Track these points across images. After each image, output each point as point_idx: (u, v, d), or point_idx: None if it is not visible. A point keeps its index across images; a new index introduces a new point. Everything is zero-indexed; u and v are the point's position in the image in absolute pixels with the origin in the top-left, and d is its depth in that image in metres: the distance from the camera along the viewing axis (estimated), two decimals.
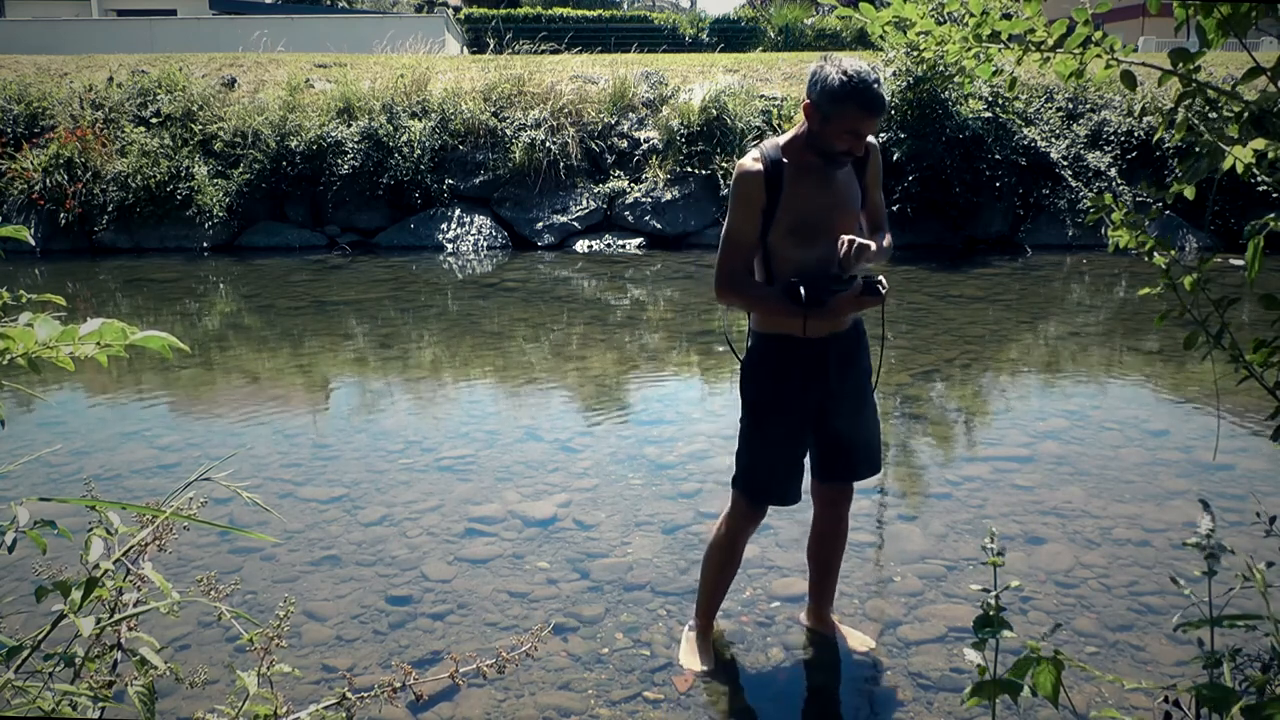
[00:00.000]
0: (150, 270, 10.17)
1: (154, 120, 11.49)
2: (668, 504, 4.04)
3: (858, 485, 2.97)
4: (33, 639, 1.35)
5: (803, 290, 2.47)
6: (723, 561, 2.90)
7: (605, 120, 11.68)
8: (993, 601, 1.60)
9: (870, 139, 2.57)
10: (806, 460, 2.82)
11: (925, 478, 4.46)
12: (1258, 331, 1.71)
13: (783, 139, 2.58)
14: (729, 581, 2.95)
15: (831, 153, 2.48)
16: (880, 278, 2.54)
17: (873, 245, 2.51)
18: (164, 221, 11.03)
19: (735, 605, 3.22)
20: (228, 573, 3.45)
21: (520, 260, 10.56)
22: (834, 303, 2.51)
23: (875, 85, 2.39)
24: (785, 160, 2.53)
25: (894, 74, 10.64)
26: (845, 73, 2.38)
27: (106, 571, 1.42)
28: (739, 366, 2.76)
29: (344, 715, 1.73)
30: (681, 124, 11.41)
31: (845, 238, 2.49)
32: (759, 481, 2.77)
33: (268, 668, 1.64)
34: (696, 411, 5.46)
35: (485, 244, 11.05)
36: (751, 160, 2.54)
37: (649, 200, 11.18)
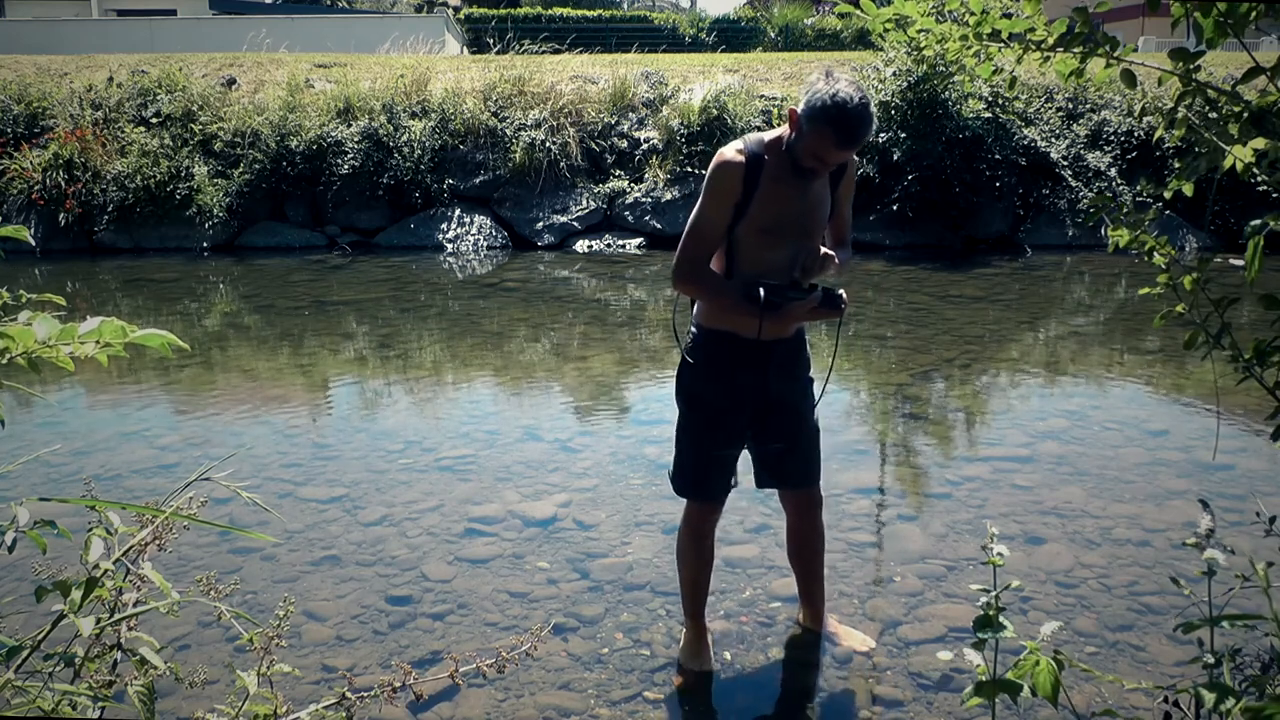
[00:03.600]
0: (150, 270, 10.17)
1: (154, 120, 11.49)
2: (668, 504, 4.04)
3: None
4: (33, 639, 1.35)
5: (762, 292, 2.46)
6: (693, 561, 2.89)
7: (605, 120, 11.68)
8: (993, 601, 1.60)
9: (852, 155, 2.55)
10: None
11: (925, 478, 4.46)
12: (1258, 331, 1.71)
13: (768, 135, 2.56)
14: (708, 577, 2.94)
15: (798, 165, 2.47)
16: (841, 291, 2.53)
17: (836, 258, 2.55)
18: (164, 221, 11.03)
19: (735, 605, 3.22)
20: (228, 573, 3.45)
21: (520, 260, 10.56)
22: (790, 309, 2.51)
23: (858, 120, 2.32)
24: (766, 157, 2.51)
25: (894, 74, 10.64)
26: (835, 97, 2.31)
27: (106, 571, 1.42)
28: (680, 360, 2.76)
29: (344, 715, 1.73)
30: (681, 124, 11.41)
31: (816, 246, 2.54)
32: (690, 476, 2.79)
33: (268, 668, 1.64)
34: None
35: (485, 244, 11.05)
36: (734, 151, 2.51)
37: (649, 200, 11.18)
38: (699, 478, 2.79)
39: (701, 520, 2.85)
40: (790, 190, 2.51)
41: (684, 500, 2.89)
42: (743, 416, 2.71)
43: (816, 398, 2.81)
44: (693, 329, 2.73)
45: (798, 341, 2.75)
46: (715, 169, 2.51)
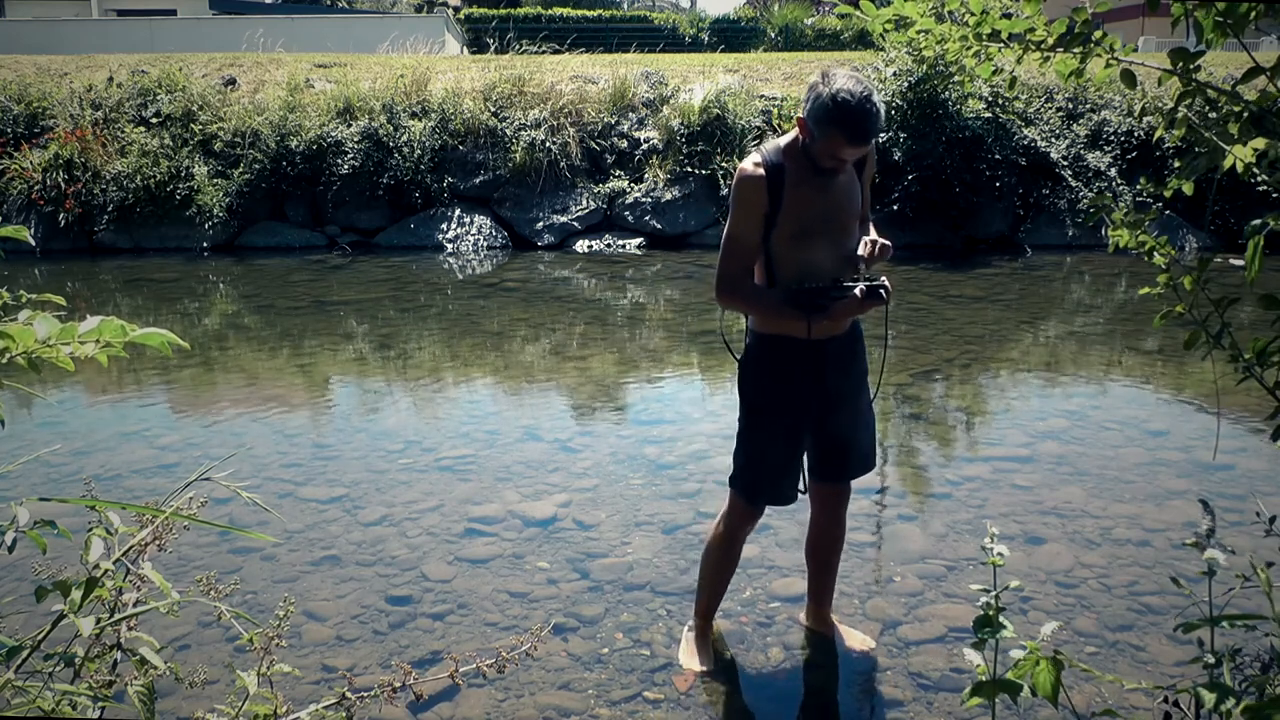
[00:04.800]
0: (150, 270, 10.17)
1: (154, 120, 11.48)
2: (668, 504, 4.04)
3: (857, 485, 2.97)
4: (33, 639, 1.35)
5: (805, 299, 2.47)
6: (721, 561, 2.90)
7: (605, 120, 11.67)
8: (993, 601, 1.60)
9: None
10: (805, 460, 2.83)
11: (925, 478, 4.46)
12: (1258, 331, 1.71)
13: (784, 141, 2.57)
14: (728, 581, 2.96)
15: (819, 169, 2.48)
16: (884, 280, 2.53)
17: (890, 246, 2.57)
18: (164, 221, 11.02)
19: (735, 605, 3.22)
20: (228, 573, 3.45)
21: (520, 260, 10.56)
22: (835, 308, 2.51)
23: (864, 116, 2.32)
24: (786, 164, 2.52)
25: (894, 74, 10.63)
26: (836, 97, 2.31)
27: (106, 571, 1.42)
28: (737, 365, 2.77)
29: (344, 715, 1.73)
30: (682, 124, 11.41)
31: (868, 239, 2.55)
32: (755, 480, 2.77)
33: (268, 668, 1.63)
34: (696, 411, 5.46)
35: (485, 244, 11.05)
36: (753, 164, 2.52)
37: (649, 200, 11.18)
38: (760, 480, 2.77)
39: (742, 523, 2.85)
40: (815, 191, 2.52)
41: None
42: (804, 418, 2.71)
43: (873, 392, 2.83)
44: (749, 335, 2.73)
45: (853, 336, 2.75)
46: (738, 185, 2.52)
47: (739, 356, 2.76)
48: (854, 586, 3.36)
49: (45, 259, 10.73)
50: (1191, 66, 1.57)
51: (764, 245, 2.56)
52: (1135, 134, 11.01)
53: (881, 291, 2.50)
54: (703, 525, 3.76)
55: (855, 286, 2.50)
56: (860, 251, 2.54)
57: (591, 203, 11.24)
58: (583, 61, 13.09)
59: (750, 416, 2.74)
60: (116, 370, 6.29)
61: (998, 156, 10.54)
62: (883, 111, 2.40)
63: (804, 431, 2.74)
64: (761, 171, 2.49)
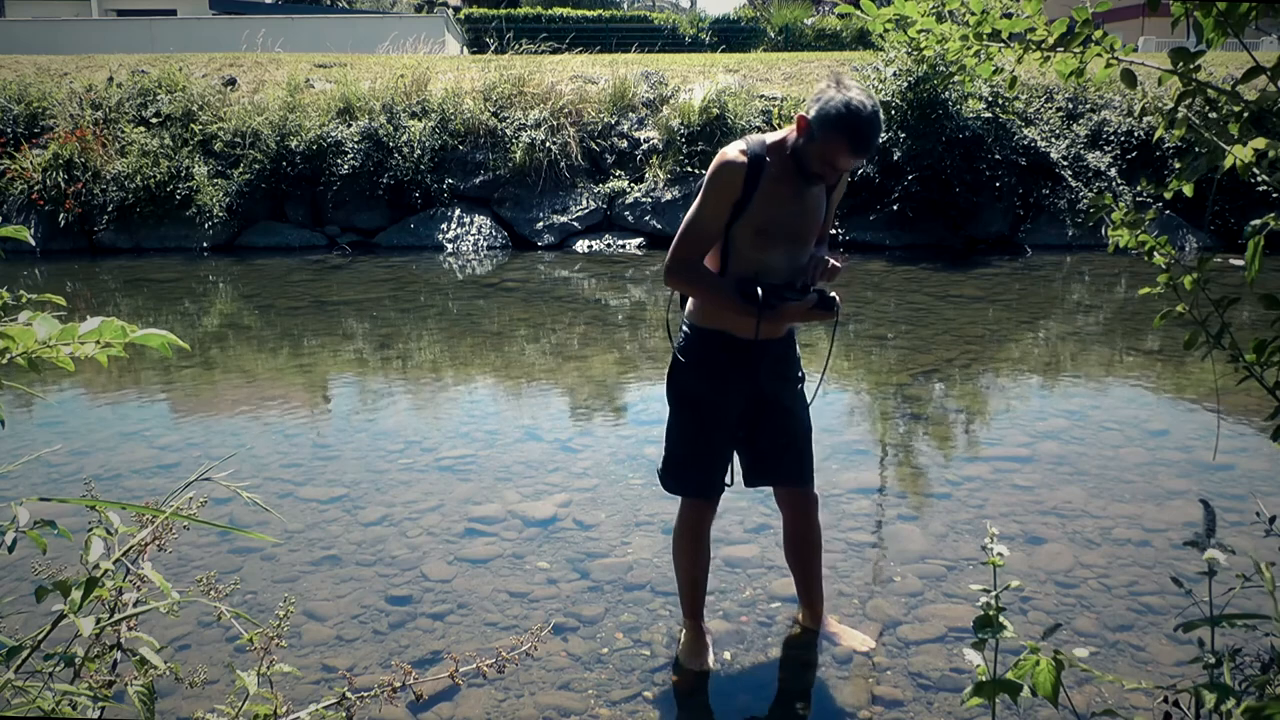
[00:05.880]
0: (150, 270, 10.17)
1: (154, 120, 11.48)
2: (668, 504, 4.03)
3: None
4: (33, 639, 1.35)
5: (760, 291, 2.47)
6: (690, 560, 2.91)
7: (605, 120, 11.68)
8: (993, 601, 1.60)
9: None
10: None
11: (925, 478, 4.45)
12: (1258, 331, 1.71)
13: (771, 137, 2.57)
14: (705, 575, 2.95)
15: (806, 170, 2.48)
16: (835, 294, 2.56)
17: (839, 268, 2.60)
18: (164, 221, 11.03)
19: (735, 605, 3.22)
20: (228, 573, 3.45)
21: (520, 260, 10.56)
22: (786, 309, 2.52)
23: (870, 128, 2.36)
24: (769, 159, 2.52)
25: (894, 74, 10.64)
26: (849, 105, 2.34)
27: (106, 571, 1.42)
28: (671, 357, 2.78)
29: (344, 715, 1.73)
30: (682, 124, 11.41)
31: (818, 256, 2.58)
32: (680, 472, 2.81)
33: (268, 668, 1.63)
34: None
35: (485, 244, 11.05)
36: (737, 151, 2.52)
37: (649, 200, 11.18)
38: (692, 475, 2.81)
39: (698, 519, 2.86)
40: (789, 193, 2.53)
41: (682, 500, 2.90)
42: (735, 415, 2.73)
43: (810, 398, 2.83)
44: (685, 328, 2.74)
45: (788, 342, 2.78)
46: (717, 168, 2.52)
47: (675, 346, 2.75)
48: (854, 586, 3.36)
49: (45, 259, 10.74)
50: (1191, 66, 1.57)
51: (725, 234, 2.56)
52: (1135, 134, 11.01)
53: (832, 302, 2.53)
54: None
55: (810, 293, 2.51)
56: (811, 266, 2.57)
57: (591, 203, 11.24)
58: (583, 61, 13.09)
59: (681, 411, 2.76)
60: (116, 370, 6.29)
61: (998, 156, 10.54)
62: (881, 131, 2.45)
63: (732, 429, 2.75)
64: (744, 159, 2.50)
